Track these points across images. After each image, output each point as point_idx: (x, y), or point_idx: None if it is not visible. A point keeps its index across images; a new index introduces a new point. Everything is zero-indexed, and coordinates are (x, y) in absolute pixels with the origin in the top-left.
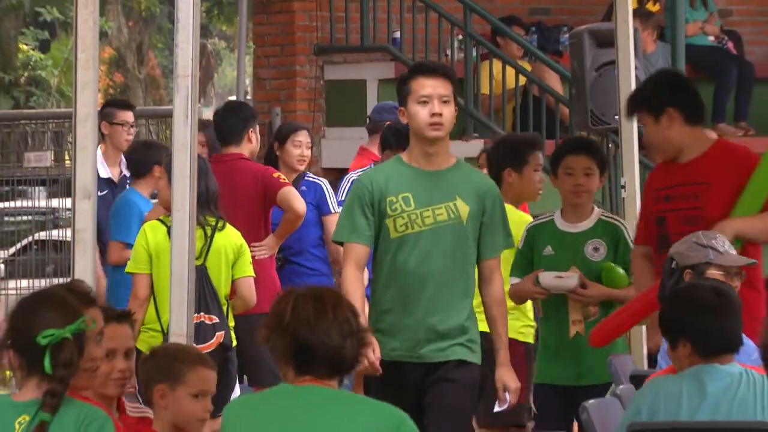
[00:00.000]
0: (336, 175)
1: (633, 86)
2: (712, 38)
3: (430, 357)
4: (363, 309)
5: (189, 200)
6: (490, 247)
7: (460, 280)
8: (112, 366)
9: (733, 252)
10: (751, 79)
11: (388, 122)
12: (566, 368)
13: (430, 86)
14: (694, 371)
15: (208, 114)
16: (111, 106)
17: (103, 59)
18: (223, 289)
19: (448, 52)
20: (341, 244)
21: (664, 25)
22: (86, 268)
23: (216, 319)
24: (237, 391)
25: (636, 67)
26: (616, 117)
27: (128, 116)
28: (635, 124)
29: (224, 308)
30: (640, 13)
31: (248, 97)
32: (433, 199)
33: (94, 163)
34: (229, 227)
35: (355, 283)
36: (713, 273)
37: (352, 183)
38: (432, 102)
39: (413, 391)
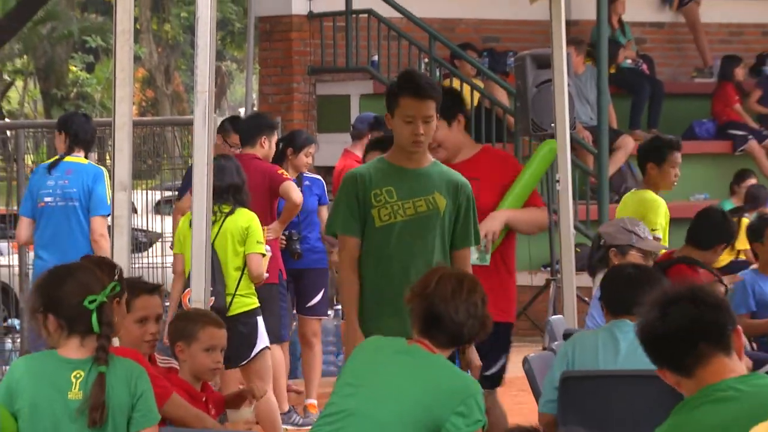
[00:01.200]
0: (325, 173)
1: (566, 101)
2: (629, 61)
3: None
4: (356, 311)
5: (206, 190)
6: (463, 238)
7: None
8: (146, 330)
9: (651, 238)
10: (661, 94)
11: (370, 131)
12: None
13: (416, 108)
14: (608, 326)
15: None
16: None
17: (137, 78)
18: (230, 263)
19: None
20: (334, 235)
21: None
22: (123, 246)
23: (210, 288)
24: (259, 345)
25: (568, 85)
26: (553, 125)
27: (235, 138)
28: (568, 131)
29: (234, 279)
30: (573, 42)
31: (254, 109)
32: (414, 192)
33: (130, 161)
34: (240, 212)
35: (351, 288)
36: (634, 254)
37: None
38: (416, 122)
39: None
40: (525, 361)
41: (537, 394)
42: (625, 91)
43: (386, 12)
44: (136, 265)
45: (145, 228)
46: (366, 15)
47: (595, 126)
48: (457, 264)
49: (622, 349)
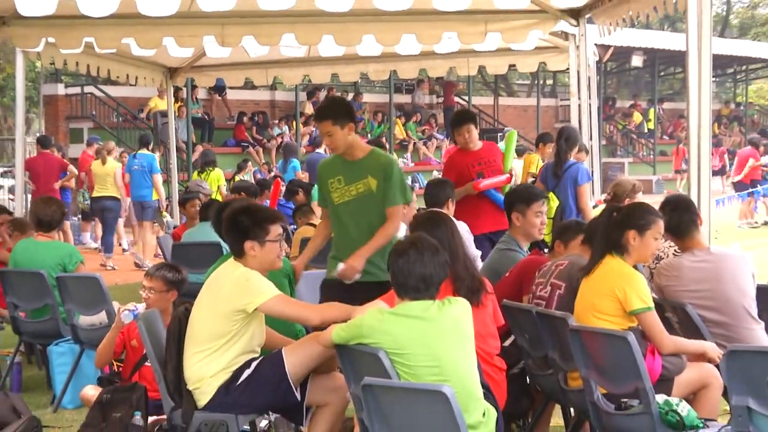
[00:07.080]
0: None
1: (173, 132)
2: (200, 114)
3: (364, 278)
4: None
5: (21, 167)
6: (389, 199)
7: (377, 228)
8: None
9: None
10: (213, 128)
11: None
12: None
13: (319, 127)
14: None
15: None
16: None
17: None
18: None
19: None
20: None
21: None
22: None
23: None
24: None
25: (176, 126)
26: (168, 140)
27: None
28: (174, 144)
29: None
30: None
31: (43, 134)
32: (353, 178)
33: None
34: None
35: (321, 229)
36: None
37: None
38: (325, 138)
39: (355, 301)
40: None
41: None
42: (199, 127)
43: (99, 93)
44: None
45: None
46: (90, 94)
47: (185, 141)
48: (386, 217)
49: None
